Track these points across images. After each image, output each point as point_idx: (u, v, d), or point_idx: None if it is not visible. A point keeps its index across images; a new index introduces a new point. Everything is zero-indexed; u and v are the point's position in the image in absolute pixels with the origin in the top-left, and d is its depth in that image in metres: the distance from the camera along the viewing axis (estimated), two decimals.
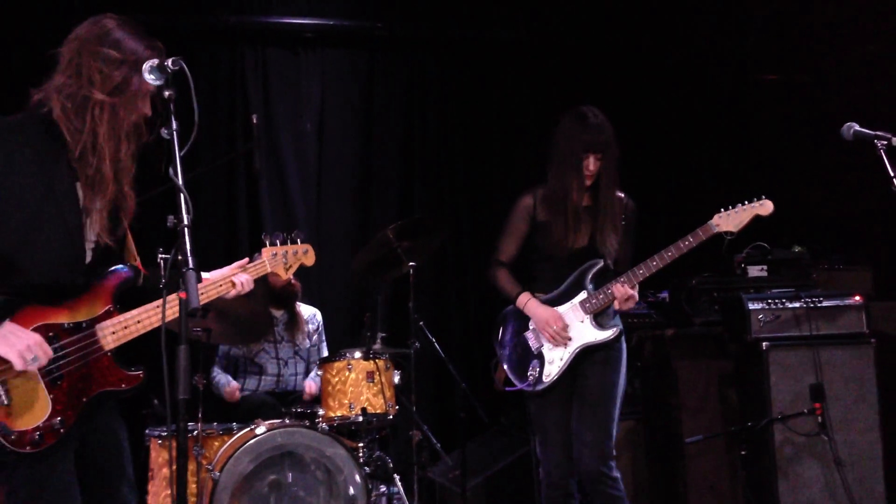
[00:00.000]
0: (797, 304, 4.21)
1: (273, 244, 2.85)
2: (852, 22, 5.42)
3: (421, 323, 4.41)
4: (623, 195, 3.56)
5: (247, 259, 2.73)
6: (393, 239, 4.25)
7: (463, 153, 6.06)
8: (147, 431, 3.96)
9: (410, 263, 4.28)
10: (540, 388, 3.44)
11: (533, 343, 3.51)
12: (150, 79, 2.24)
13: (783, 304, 4.22)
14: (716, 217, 3.39)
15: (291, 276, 4.85)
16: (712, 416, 4.52)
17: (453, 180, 6.05)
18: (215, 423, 4.12)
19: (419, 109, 6.04)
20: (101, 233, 2.36)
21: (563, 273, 3.50)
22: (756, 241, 4.67)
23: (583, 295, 3.46)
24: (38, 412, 2.20)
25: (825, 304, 4.21)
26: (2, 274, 2.22)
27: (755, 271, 4.66)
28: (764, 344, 4.15)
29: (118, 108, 2.29)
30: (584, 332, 3.44)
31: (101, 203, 2.35)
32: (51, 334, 2.26)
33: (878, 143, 2.95)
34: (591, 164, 3.42)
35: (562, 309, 3.47)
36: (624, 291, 3.35)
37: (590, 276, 3.46)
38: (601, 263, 3.47)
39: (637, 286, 3.40)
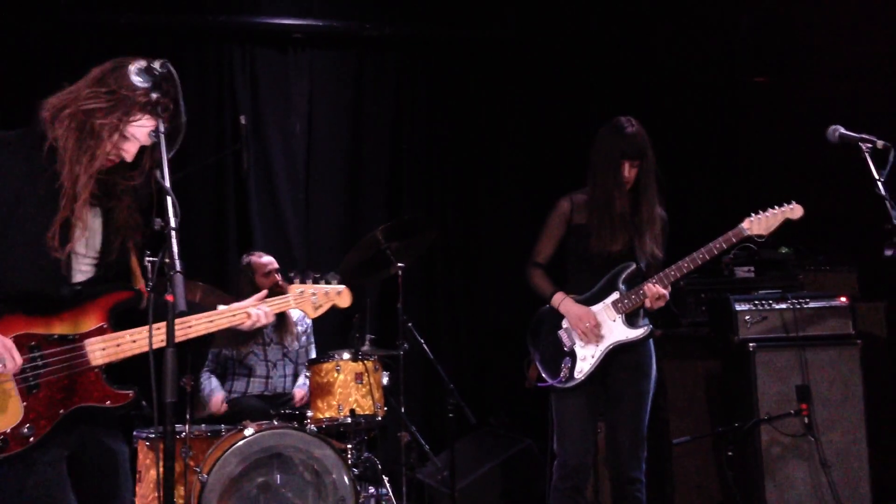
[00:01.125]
0: (784, 306, 4.24)
1: (303, 282, 2.74)
2: (839, 24, 5.45)
3: (410, 324, 4.41)
4: (661, 209, 3.67)
5: (265, 292, 2.66)
6: (382, 240, 4.24)
7: (452, 153, 6.07)
8: (135, 433, 3.94)
9: (399, 264, 4.28)
10: (571, 384, 3.53)
11: (566, 341, 3.60)
12: (138, 81, 2.23)
13: (770, 305, 4.25)
14: (746, 221, 3.47)
15: (280, 279, 4.89)
16: (699, 416, 4.55)
17: (442, 180, 6.05)
18: (203, 425, 4.12)
19: (408, 109, 6.04)
20: (102, 249, 2.36)
21: (597, 275, 3.60)
22: (742, 242, 4.69)
23: (615, 295, 3.55)
24: (7, 418, 2.19)
25: (811, 305, 4.24)
26: None
27: (742, 272, 4.69)
28: (751, 345, 4.17)
29: (94, 126, 2.26)
30: (616, 330, 3.53)
31: (90, 216, 2.34)
32: (32, 343, 2.25)
33: (863, 146, 2.97)
34: (627, 170, 3.54)
35: (595, 308, 3.56)
36: (656, 290, 3.44)
37: (623, 278, 3.56)
38: (633, 266, 3.57)
39: (669, 287, 3.48)
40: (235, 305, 2.56)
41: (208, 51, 5.76)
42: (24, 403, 2.21)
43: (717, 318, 4.45)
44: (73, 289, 2.32)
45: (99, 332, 2.32)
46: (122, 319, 2.37)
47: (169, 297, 2.08)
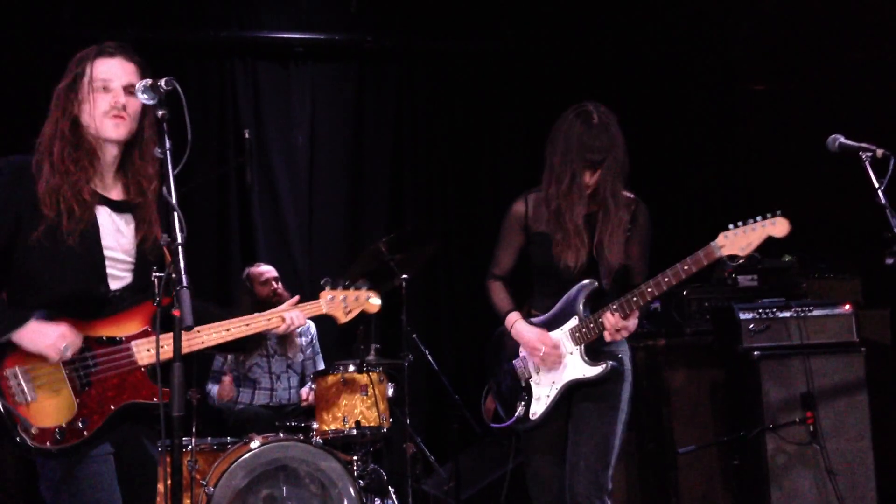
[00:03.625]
0: (788, 314, 4.24)
1: (334, 289, 2.79)
2: (838, 31, 5.47)
3: (414, 335, 4.42)
4: (631, 196, 3.14)
5: (297, 297, 2.74)
6: (385, 252, 4.25)
7: (453, 164, 6.09)
8: None
9: (403, 276, 4.29)
10: (528, 426, 3.09)
11: (521, 372, 3.15)
12: (144, 98, 2.26)
13: (774, 313, 4.24)
14: (720, 237, 2.86)
15: (280, 288, 4.90)
16: (704, 425, 4.53)
17: (443, 191, 6.07)
18: (209, 438, 4.12)
19: (409, 121, 6.06)
20: (137, 255, 2.43)
21: (559, 290, 3.11)
22: None
23: (574, 321, 3.05)
24: (62, 413, 2.28)
25: (815, 313, 4.23)
26: (30, 291, 2.32)
27: (745, 281, 4.69)
28: (755, 353, 4.17)
29: (67, 110, 2.36)
30: (573, 365, 3.04)
31: (120, 220, 2.42)
32: (84, 345, 2.34)
33: (863, 155, 2.98)
34: (588, 177, 3.03)
35: (553, 336, 3.08)
36: (614, 321, 2.93)
37: (583, 300, 3.04)
38: (595, 285, 3.05)
39: (636, 314, 2.96)
40: (271, 311, 2.64)
41: (211, 66, 5.80)
42: (78, 399, 2.30)
43: (721, 326, 4.44)
44: (111, 290, 2.39)
45: (143, 334, 2.40)
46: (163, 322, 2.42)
47: (176, 312, 2.11)
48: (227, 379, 4.73)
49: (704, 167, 6.16)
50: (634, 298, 2.93)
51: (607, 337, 2.98)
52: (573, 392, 3.07)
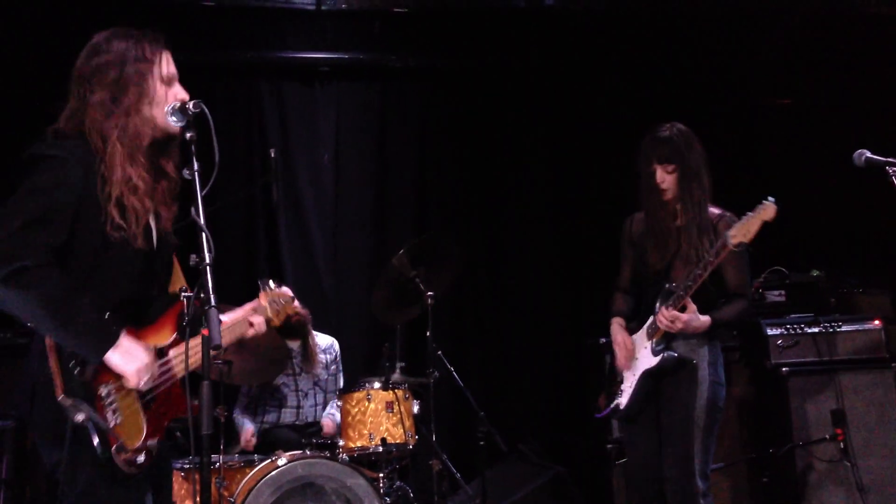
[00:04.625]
0: (816, 329, 4.21)
1: (266, 290, 2.80)
2: (863, 45, 5.44)
3: (439, 352, 4.42)
4: (719, 212, 3.46)
5: (257, 301, 2.72)
6: (408, 264, 4.25)
7: (477, 182, 6.10)
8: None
9: (429, 293, 4.30)
10: (619, 415, 3.49)
11: (619, 369, 3.54)
12: (173, 120, 2.29)
13: (802, 329, 4.21)
14: (731, 230, 3.28)
15: (297, 306, 4.92)
16: (733, 442, 4.49)
17: (468, 209, 6.09)
18: (237, 455, 4.15)
19: (433, 139, 6.09)
20: (158, 251, 2.38)
21: (647, 296, 3.47)
22: (773, 265, 4.66)
23: (650, 319, 3.42)
24: (140, 432, 2.22)
25: (844, 328, 4.20)
26: (85, 290, 2.20)
27: (773, 296, 4.65)
28: (784, 369, 4.14)
29: (143, 102, 2.29)
30: (645, 358, 3.43)
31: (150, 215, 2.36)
32: None
33: (890, 170, 2.96)
34: (659, 174, 3.38)
35: (639, 334, 3.49)
36: (667, 313, 3.26)
37: (660, 300, 3.38)
38: (667, 286, 3.37)
39: (692, 307, 3.25)
40: (234, 316, 2.60)
41: (237, 87, 5.87)
42: (146, 417, 2.25)
43: (749, 342, 4.41)
44: (159, 291, 2.36)
45: (175, 343, 2.36)
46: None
47: (204, 332, 2.12)
48: (249, 431, 4.73)
49: (729, 182, 6.11)
50: (680, 292, 3.28)
51: (665, 328, 3.29)
52: (654, 387, 3.37)
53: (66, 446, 2.11)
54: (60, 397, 2.10)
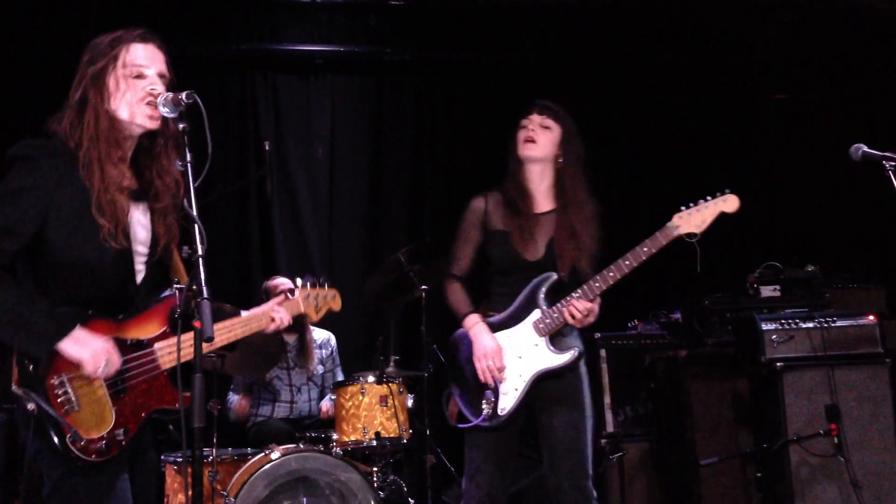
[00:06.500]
0: (811, 325, 4.19)
1: (304, 287, 2.91)
2: (860, 40, 5.44)
3: (434, 346, 4.42)
4: (584, 195, 3.23)
5: (283, 297, 2.76)
6: (405, 262, 4.26)
7: (471, 175, 6.09)
8: (162, 457, 3.97)
9: (423, 287, 4.29)
10: (496, 422, 3.08)
11: (484, 373, 3.11)
12: (165, 111, 2.27)
13: (797, 324, 4.20)
14: (675, 217, 3.03)
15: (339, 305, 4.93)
16: (726, 437, 4.49)
17: (462, 203, 6.02)
18: (230, 449, 4.14)
19: (428, 132, 6.08)
20: (151, 247, 2.39)
21: (516, 290, 3.15)
22: (768, 260, 4.66)
23: (536, 314, 3.10)
24: (104, 422, 2.23)
25: (839, 323, 4.19)
26: (58, 284, 2.24)
27: (768, 291, 4.64)
28: (778, 365, 4.12)
29: (103, 99, 2.29)
30: (540, 356, 3.08)
31: (138, 212, 2.37)
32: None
33: (887, 164, 2.95)
34: (532, 123, 3.20)
35: (515, 330, 3.12)
36: (581, 306, 2.99)
37: (543, 293, 3.10)
38: (554, 277, 3.11)
39: (598, 299, 3.03)
40: (255, 310, 2.64)
41: (231, 78, 5.85)
42: (115, 408, 2.25)
43: (743, 337, 4.41)
44: (137, 289, 2.36)
45: (163, 336, 2.37)
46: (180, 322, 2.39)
47: (197, 324, 2.11)
48: (243, 398, 4.74)
49: (725, 177, 6.12)
50: (597, 284, 3.01)
51: (575, 323, 3.04)
52: (536, 392, 3.09)
53: (30, 436, 2.17)
54: (13, 387, 2.16)
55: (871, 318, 4.20)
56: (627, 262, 2.99)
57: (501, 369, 3.08)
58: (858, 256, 5.10)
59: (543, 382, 3.09)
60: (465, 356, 3.20)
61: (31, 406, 2.13)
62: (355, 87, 6.03)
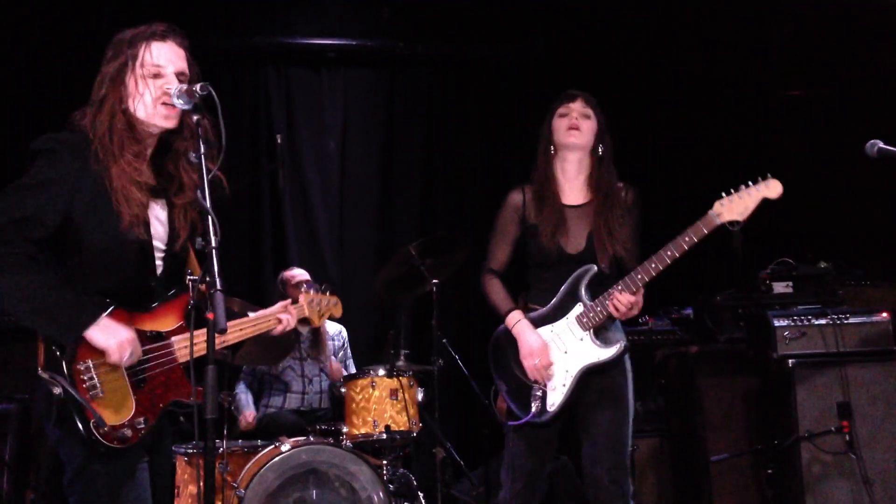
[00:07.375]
0: (823, 321, 4.18)
1: (307, 292, 2.99)
2: (875, 35, 5.39)
3: (444, 340, 4.42)
4: (622, 184, 3.21)
5: (290, 301, 2.78)
6: (415, 256, 4.26)
7: (483, 170, 6.09)
8: (173, 448, 3.98)
9: (433, 281, 4.29)
10: (545, 418, 3.05)
11: (533, 370, 3.10)
12: (179, 104, 2.28)
13: (809, 320, 4.19)
14: (717, 205, 2.93)
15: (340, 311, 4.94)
16: (738, 434, 4.48)
17: (474, 197, 6.07)
18: (240, 441, 4.16)
19: (440, 126, 6.08)
20: (169, 242, 2.42)
21: (557, 282, 3.10)
22: (781, 256, 4.64)
23: (579, 308, 3.06)
24: (125, 410, 2.26)
25: (852, 320, 4.17)
26: (81, 276, 2.28)
27: (780, 287, 4.62)
28: (790, 361, 4.11)
29: (121, 98, 2.31)
30: (586, 350, 3.05)
31: (157, 207, 2.40)
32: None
33: None
34: (574, 112, 3.20)
35: (558, 325, 3.09)
36: (624, 299, 2.95)
37: (584, 286, 3.06)
38: (594, 269, 3.07)
39: (641, 290, 2.97)
40: (263, 312, 2.68)
41: (244, 72, 5.86)
42: (136, 397, 2.29)
43: (756, 334, 4.39)
44: (159, 282, 2.39)
45: (180, 330, 2.41)
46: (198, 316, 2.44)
47: (210, 315, 2.12)
48: (250, 413, 4.75)
49: (740, 173, 6.09)
50: (639, 276, 2.95)
51: (619, 316, 3.00)
52: (583, 386, 3.06)
53: (54, 422, 2.20)
54: (39, 371, 2.19)
55: (885, 315, 4.18)
56: (669, 253, 2.92)
57: (548, 366, 3.06)
58: (872, 253, 5.06)
59: (590, 377, 3.06)
60: (510, 354, 3.16)
61: (57, 390, 2.16)
62: (368, 80, 6.03)
